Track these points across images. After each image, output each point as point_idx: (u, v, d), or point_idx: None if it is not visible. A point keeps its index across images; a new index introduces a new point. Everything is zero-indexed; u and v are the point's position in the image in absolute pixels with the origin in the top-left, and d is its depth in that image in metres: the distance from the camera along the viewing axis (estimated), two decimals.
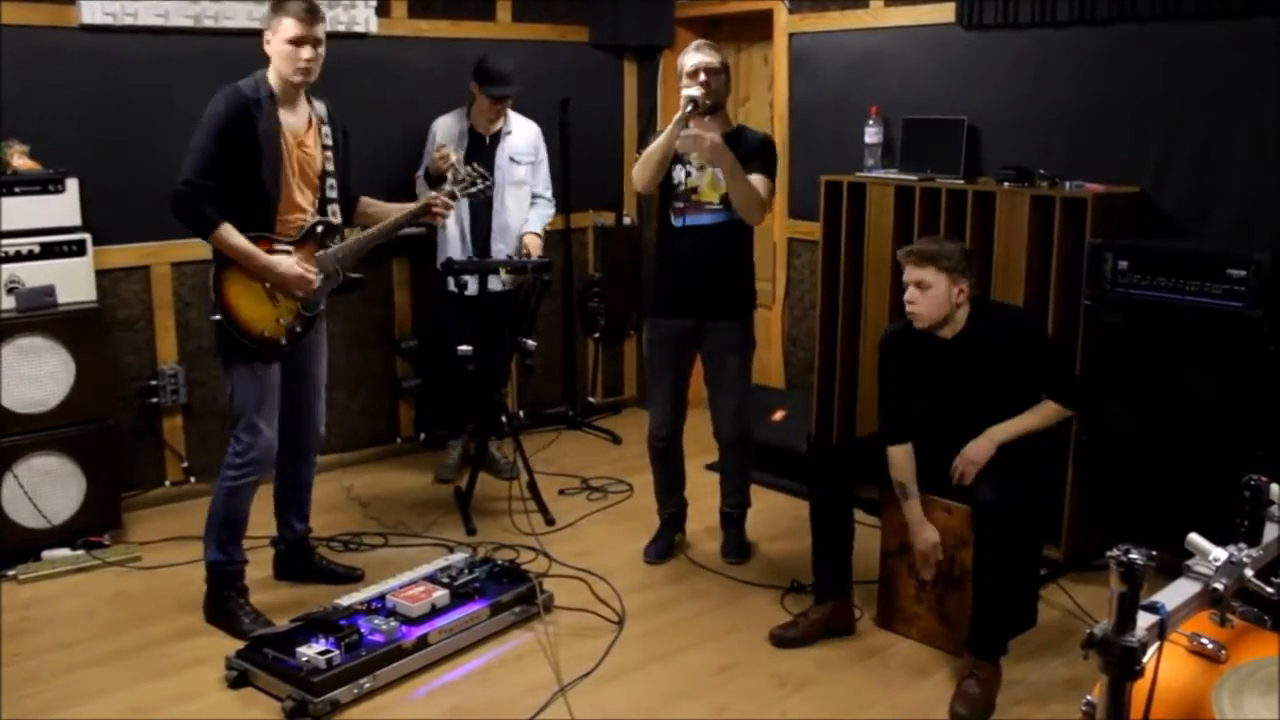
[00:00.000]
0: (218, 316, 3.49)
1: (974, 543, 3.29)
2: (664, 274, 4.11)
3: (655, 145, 3.87)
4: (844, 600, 3.64)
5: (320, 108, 3.66)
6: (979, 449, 3.33)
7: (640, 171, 3.92)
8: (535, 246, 4.90)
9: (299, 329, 3.62)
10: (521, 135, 4.95)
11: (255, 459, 3.60)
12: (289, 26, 3.42)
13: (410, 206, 3.84)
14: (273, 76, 3.50)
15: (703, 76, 3.86)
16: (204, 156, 3.38)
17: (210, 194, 3.39)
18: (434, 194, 3.87)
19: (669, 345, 4.11)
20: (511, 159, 4.88)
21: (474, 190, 3.99)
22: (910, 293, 3.37)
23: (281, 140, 3.50)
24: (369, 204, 3.84)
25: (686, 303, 4.03)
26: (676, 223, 3.97)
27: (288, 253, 3.54)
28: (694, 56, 3.90)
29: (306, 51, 3.44)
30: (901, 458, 3.46)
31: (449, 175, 4.00)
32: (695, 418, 4.37)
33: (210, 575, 3.68)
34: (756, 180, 3.87)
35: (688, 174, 3.95)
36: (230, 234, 3.42)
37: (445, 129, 4.87)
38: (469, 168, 3.99)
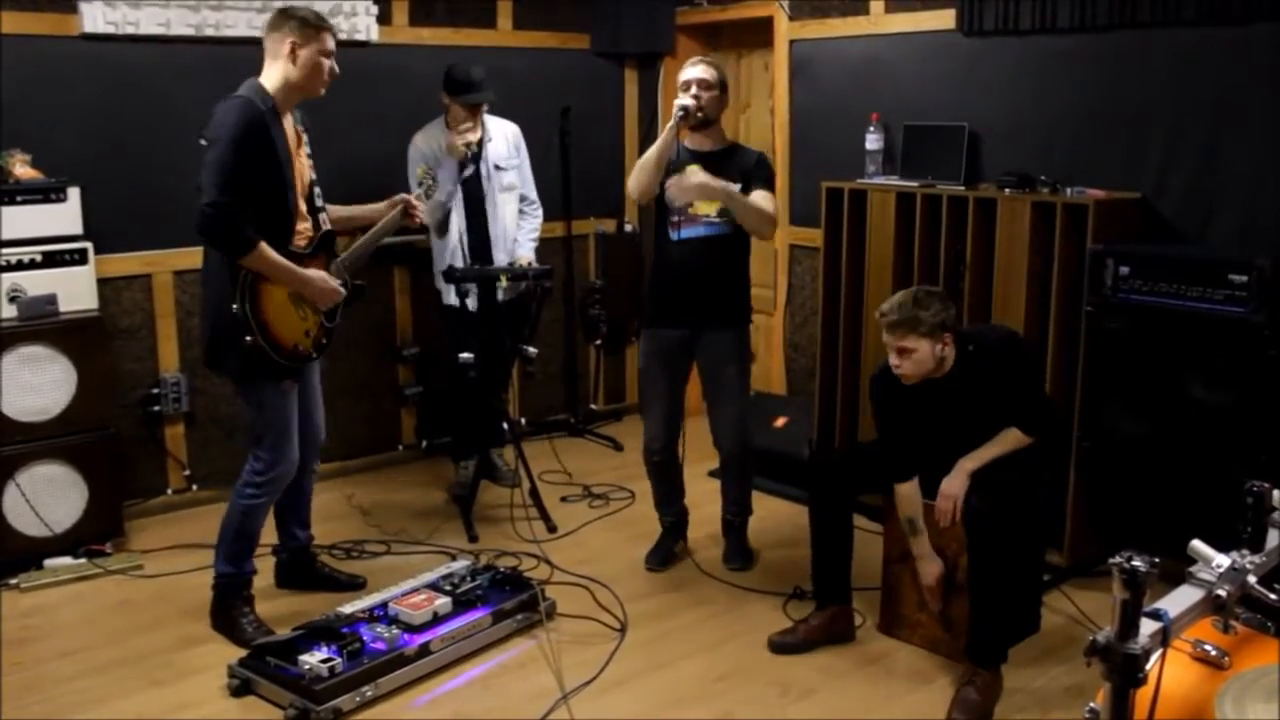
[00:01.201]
0: (250, 339, 3.36)
1: (967, 552, 3.29)
2: (659, 285, 4.12)
3: (649, 153, 3.92)
4: (844, 607, 3.63)
5: (300, 116, 3.66)
6: (954, 484, 3.33)
7: (635, 180, 3.96)
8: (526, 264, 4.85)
9: (324, 340, 3.65)
10: (501, 140, 4.87)
11: (277, 477, 3.61)
12: (327, 39, 3.48)
13: (387, 211, 3.85)
14: (277, 86, 3.45)
15: (694, 90, 3.90)
16: (226, 172, 3.24)
17: (239, 211, 3.27)
18: (403, 195, 3.92)
19: (664, 356, 4.11)
20: (497, 166, 4.80)
21: (431, 190, 4.15)
22: (893, 358, 3.30)
23: (291, 152, 3.50)
24: (333, 209, 3.79)
25: (681, 313, 4.04)
26: (674, 235, 3.97)
27: (305, 265, 3.53)
28: (689, 70, 3.96)
29: (329, 63, 3.49)
30: (908, 492, 3.43)
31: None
32: (698, 424, 4.37)
33: (218, 586, 3.68)
34: (759, 197, 3.91)
35: None
36: (268, 251, 3.33)
37: (427, 143, 4.73)
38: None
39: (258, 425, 3.59)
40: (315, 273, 3.53)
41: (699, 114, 3.90)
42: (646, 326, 4.19)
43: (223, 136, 3.27)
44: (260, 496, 3.61)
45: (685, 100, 3.88)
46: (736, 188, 3.86)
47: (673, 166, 3.92)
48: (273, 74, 3.46)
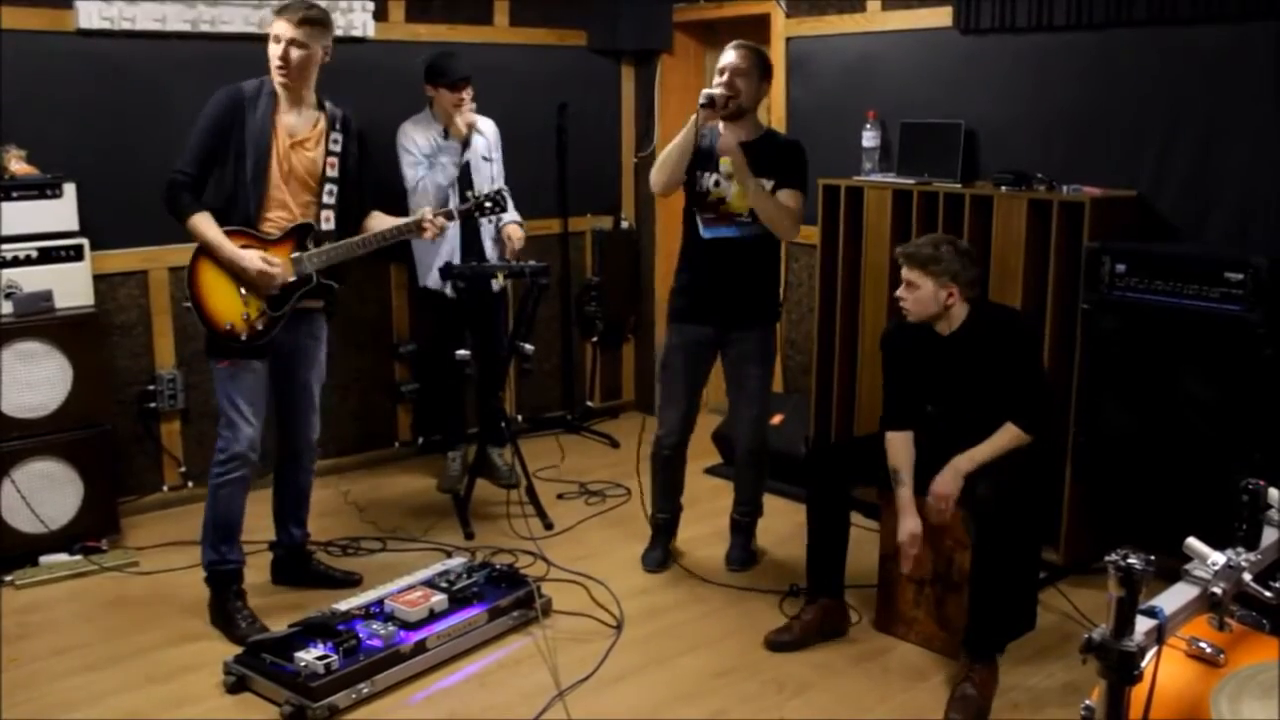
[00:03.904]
0: (188, 303, 3.59)
1: (972, 540, 3.29)
2: (689, 282, 4.05)
3: (672, 145, 3.84)
4: (836, 600, 3.64)
5: (336, 112, 3.68)
6: (947, 483, 3.35)
7: (657, 173, 3.90)
8: (519, 236, 4.87)
9: (261, 328, 3.60)
10: (488, 133, 4.91)
11: (236, 454, 3.60)
12: (274, 26, 3.53)
13: (400, 221, 3.79)
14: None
15: (727, 76, 3.82)
16: (192, 148, 3.52)
17: (192, 183, 3.51)
18: (427, 210, 3.80)
19: (688, 352, 4.06)
20: (484, 158, 4.85)
21: (471, 209, 4.06)
22: (901, 289, 3.47)
23: (273, 139, 3.53)
24: (375, 218, 3.79)
25: (709, 311, 4.00)
26: (705, 234, 3.94)
27: (261, 248, 3.54)
28: (725, 55, 3.87)
29: (279, 49, 3.50)
30: (900, 443, 3.48)
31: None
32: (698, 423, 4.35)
33: (207, 576, 3.69)
34: (785, 195, 3.85)
35: (716, 183, 3.90)
36: (202, 223, 3.50)
37: (423, 134, 4.72)
38: (473, 194, 4.18)
39: (217, 401, 3.67)
40: (248, 253, 3.52)
41: (730, 104, 3.79)
42: (673, 321, 4.12)
43: (199, 116, 3.55)
44: (223, 475, 3.62)
45: (712, 90, 3.78)
46: (769, 185, 3.83)
47: (710, 164, 3.87)
48: None
